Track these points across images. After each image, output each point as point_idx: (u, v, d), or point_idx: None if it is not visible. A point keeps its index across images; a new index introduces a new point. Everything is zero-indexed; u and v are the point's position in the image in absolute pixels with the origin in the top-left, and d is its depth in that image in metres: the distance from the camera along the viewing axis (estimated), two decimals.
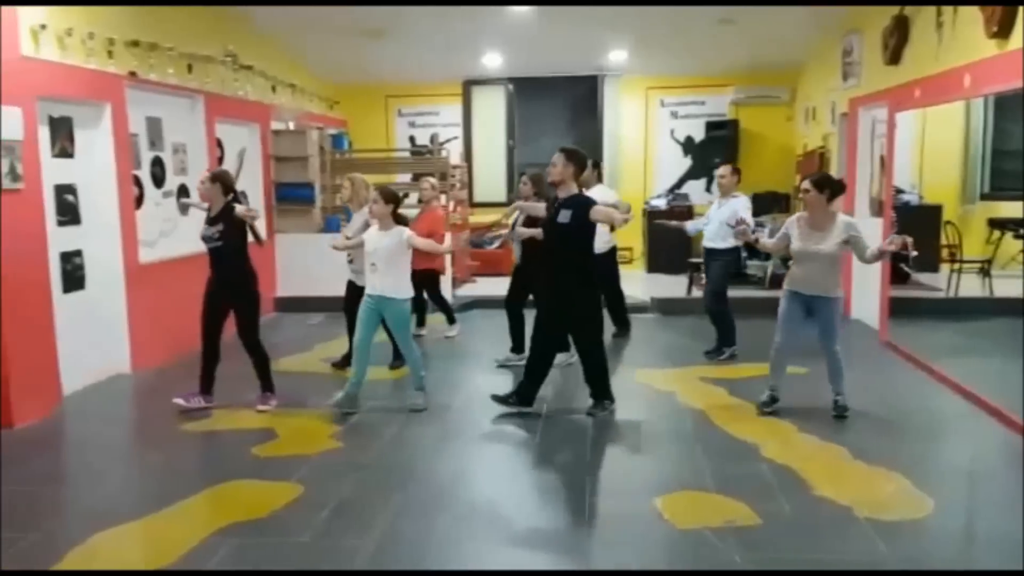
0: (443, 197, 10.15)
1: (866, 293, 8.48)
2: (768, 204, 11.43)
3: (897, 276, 8.36)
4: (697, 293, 7.49)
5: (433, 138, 11.21)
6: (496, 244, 11.19)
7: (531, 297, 6.85)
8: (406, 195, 10.38)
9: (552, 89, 12.68)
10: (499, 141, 12.91)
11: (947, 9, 6.75)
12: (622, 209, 7.39)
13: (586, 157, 5.88)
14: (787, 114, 12.26)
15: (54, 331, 6.03)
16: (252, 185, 9.62)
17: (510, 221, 7.16)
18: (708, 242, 7.34)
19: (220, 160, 8.80)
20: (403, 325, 5.90)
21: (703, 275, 7.82)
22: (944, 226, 9.25)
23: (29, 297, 5.75)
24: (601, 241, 7.33)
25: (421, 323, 8.48)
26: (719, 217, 7.14)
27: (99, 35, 6.60)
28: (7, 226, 5.51)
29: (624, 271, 11.78)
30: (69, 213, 6.54)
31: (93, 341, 6.69)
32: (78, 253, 6.62)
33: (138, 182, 7.36)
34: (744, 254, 9.58)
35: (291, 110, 10.53)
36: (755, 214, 10.71)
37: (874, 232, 8.18)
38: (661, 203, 12.17)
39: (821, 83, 10.55)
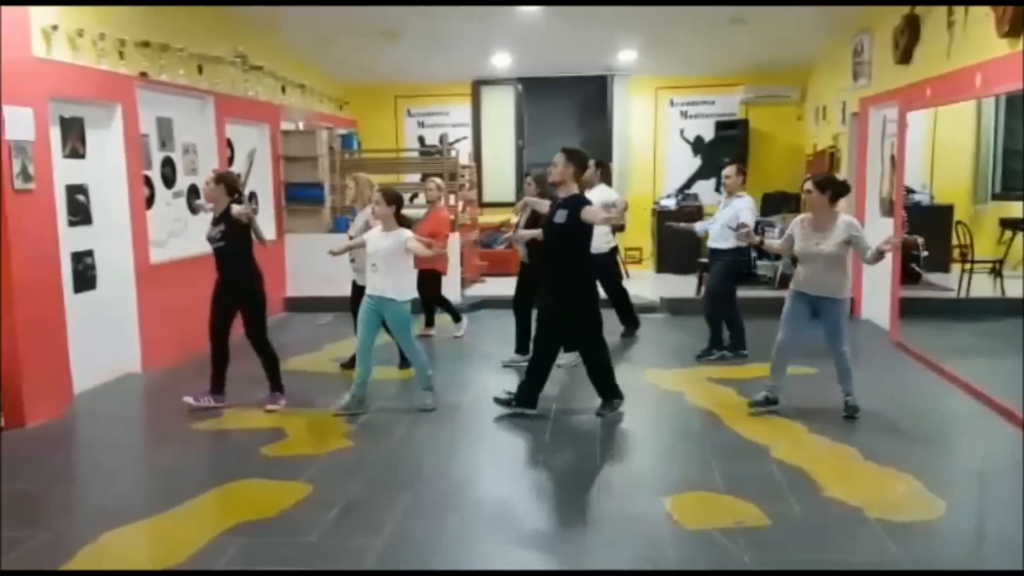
0: (452, 197, 10.18)
1: (877, 293, 8.45)
2: (778, 204, 11.40)
3: (908, 276, 8.33)
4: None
5: (442, 138, 11.21)
6: (504, 244, 11.20)
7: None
8: (415, 195, 10.45)
9: (561, 89, 12.67)
10: (508, 141, 12.91)
11: (958, 8, 6.72)
12: (619, 208, 7.43)
13: (587, 157, 5.88)
14: (797, 114, 12.22)
15: (65, 331, 6.06)
16: (262, 185, 9.66)
17: (518, 219, 7.17)
18: (711, 242, 7.36)
19: (230, 160, 8.83)
20: (403, 327, 5.89)
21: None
22: (955, 226, 9.20)
23: (41, 297, 5.78)
24: (602, 241, 7.35)
25: (430, 323, 8.49)
26: (722, 218, 7.16)
27: (110, 36, 6.63)
28: (19, 226, 5.55)
29: (633, 271, 11.88)
30: (80, 213, 6.58)
31: (104, 341, 6.72)
32: (89, 253, 6.66)
33: (149, 182, 7.39)
34: (754, 254, 9.57)
35: (301, 110, 10.55)
36: (764, 214, 10.78)
37: (885, 232, 8.16)
38: (671, 203, 12.14)
39: (832, 82, 10.51)
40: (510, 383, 6.27)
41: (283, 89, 10.07)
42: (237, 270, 5.86)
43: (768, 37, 10.09)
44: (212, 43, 8.22)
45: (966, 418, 5.80)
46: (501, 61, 11.62)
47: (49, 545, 3.91)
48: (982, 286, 8.82)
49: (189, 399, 6.00)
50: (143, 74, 7.09)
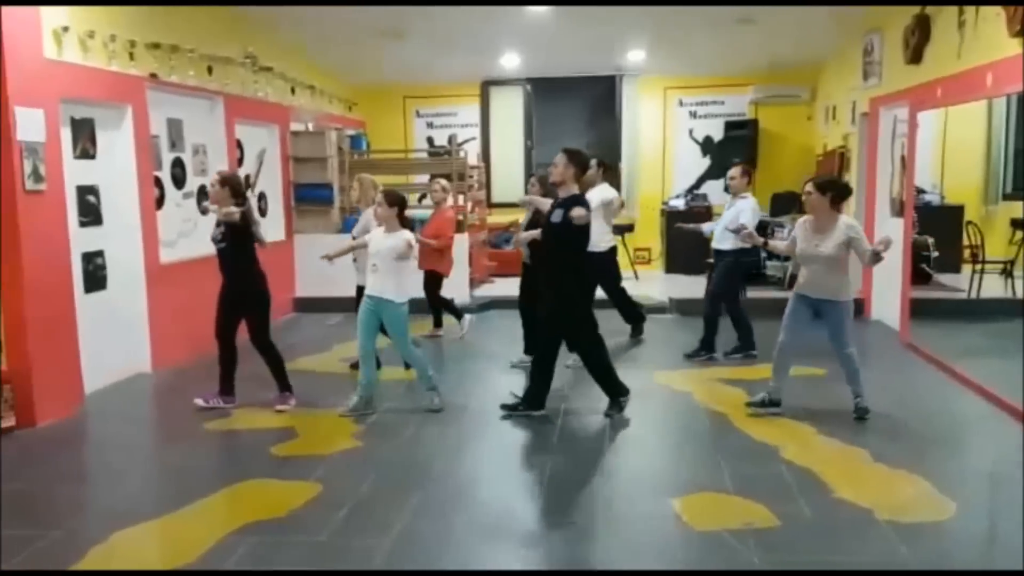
0: (460, 198, 10.20)
1: (887, 294, 8.42)
2: (787, 204, 11.35)
3: (918, 277, 8.29)
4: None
5: (451, 139, 11.22)
6: (513, 246, 11.21)
7: None
8: (423, 196, 10.46)
9: (570, 89, 12.67)
10: (517, 141, 12.91)
11: (969, 8, 6.69)
12: (613, 206, 7.43)
13: (588, 158, 5.88)
14: (807, 114, 12.18)
15: (76, 331, 6.09)
16: (271, 186, 9.69)
17: (521, 220, 7.19)
18: (715, 243, 7.37)
19: (240, 161, 8.86)
20: (399, 329, 5.85)
21: None
22: (966, 226, 9.16)
23: (52, 297, 5.81)
24: (601, 240, 7.36)
25: (438, 324, 8.50)
26: (725, 219, 7.17)
27: (120, 37, 6.66)
28: (30, 227, 5.57)
29: (643, 272, 11.87)
30: (91, 214, 6.61)
31: (115, 341, 6.75)
32: (100, 253, 6.69)
33: (159, 183, 7.42)
34: (763, 255, 9.56)
35: (310, 111, 10.58)
36: (774, 214, 10.76)
37: (896, 233, 8.13)
38: (680, 203, 12.12)
39: (842, 82, 10.47)
40: (518, 383, 6.28)
41: (292, 90, 10.10)
42: (238, 271, 5.88)
43: (778, 37, 10.07)
44: (222, 44, 8.25)
45: (976, 419, 5.77)
46: (510, 61, 11.62)
47: (60, 544, 3.93)
48: (993, 287, 8.78)
49: (199, 401, 6.03)
50: (153, 75, 7.12)
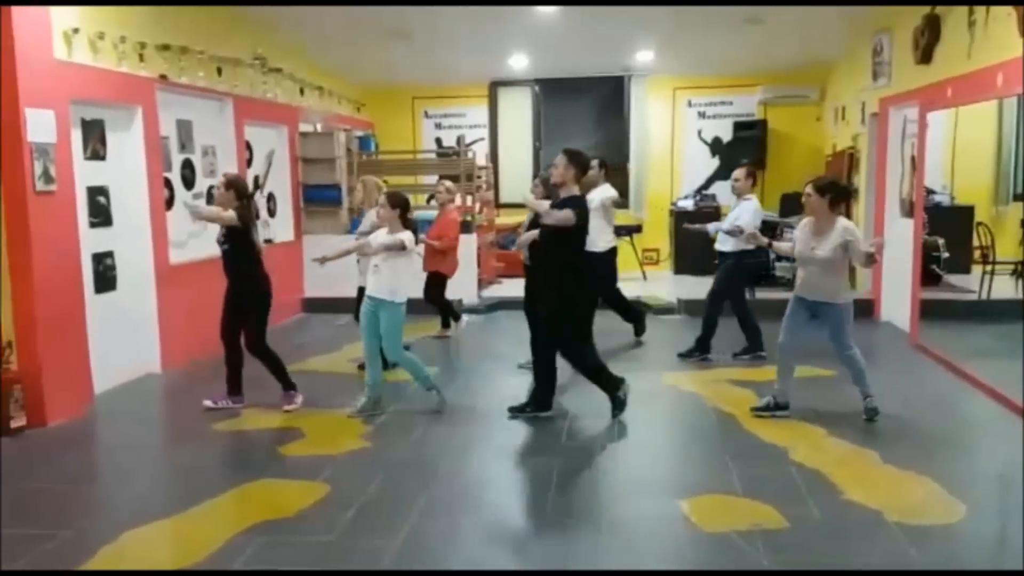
0: (469, 198, 10.20)
1: (897, 295, 8.39)
2: (796, 205, 11.28)
3: (928, 278, 8.25)
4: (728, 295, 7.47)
5: (459, 140, 11.22)
6: (515, 246, 11.22)
7: None
8: (432, 197, 10.46)
9: (578, 90, 12.66)
10: (525, 142, 12.91)
11: (979, 8, 6.66)
12: (606, 205, 7.43)
13: (588, 159, 5.88)
14: (816, 114, 12.14)
15: (86, 331, 6.11)
16: (280, 187, 9.71)
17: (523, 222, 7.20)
18: (717, 245, 7.37)
19: (249, 162, 8.88)
20: (393, 330, 5.81)
21: None
22: (976, 227, 9.12)
23: (62, 298, 5.83)
24: (600, 240, 7.37)
25: (446, 325, 8.50)
26: (728, 221, 7.17)
27: (130, 39, 6.69)
28: (41, 228, 5.60)
29: (651, 272, 11.85)
30: (101, 215, 6.64)
31: (124, 341, 6.78)
32: (110, 254, 6.72)
33: (168, 184, 7.45)
34: (772, 256, 9.53)
35: (319, 112, 10.60)
36: (783, 215, 10.72)
37: (906, 233, 8.11)
38: (688, 204, 12.10)
39: (851, 83, 10.44)
40: (526, 384, 6.27)
41: (301, 91, 10.12)
42: (239, 272, 5.91)
43: (786, 37, 10.04)
44: (231, 46, 8.27)
45: (987, 421, 5.74)
46: (518, 62, 11.62)
47: (70, 544, 3.94)
48: (1004, 288, 8.72)
49: (208, 402, 6.05)
50: (163, 76, 7.15)
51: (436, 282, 8.12)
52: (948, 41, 7.40)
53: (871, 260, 5.39)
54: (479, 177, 10.77)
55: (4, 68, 5.37)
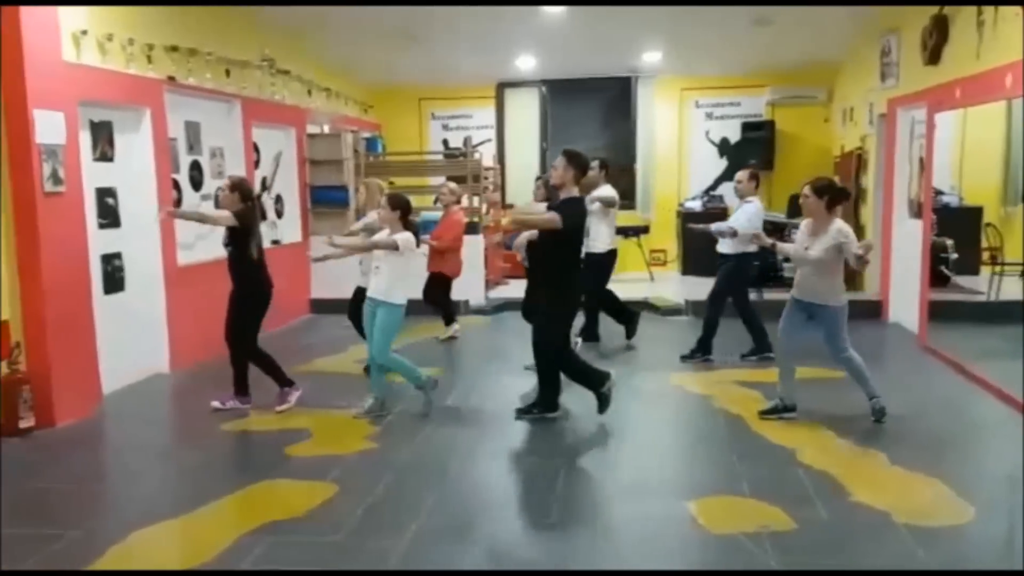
0: (475, 199, 10.21)
1: (905, 296, 8.36)
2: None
3: (937, 279, 8.23)
4: (730, 297, 7.45)
5: (466, 141, 11.23)
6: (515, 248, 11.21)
7: None
8: (437, 198, 10.48)
9: (585, 91, 12.67)
10: (532, 143, 12.92)
11: (988, 8, 6.64)
12: (600, 205, 7.42)
13: (588, 160, 5.88)
14: (824, 115, 12.11)
15: (95, 332, 6.13)
16: (288, 188, 9.74)
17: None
18: (719, 247, 7.35)
19: (256, 164, 8.91)
20: (386, 332, 5.80)
21: None
22: (985, 228, 9.09)
23: (71, 298, 5.86)
24: (599, 241, 7.36)
25: (449, 325, 8.50)
26: (728, 223, 7.20)
27: (139, 40, 6.72)
28: (50, 229, 5.62)
29: (658, 273, 11.84)
30: (109, 216, 6.66)
31: (133, 342, 6.80)
32: (118, 255, 6.74)
33: (176, 185, 7.47)
34: (780, 257, 9.50)
35: (326, 114, 10.62)
36: (790, 216, 10.68)
37: (914, 234, 8.09)
38: (696, 205, 12.09)
39: (859, 83, 10.41)
40: (532, 385, 6.27)
41: (309, 93, 10.15)
42: (241, 273, 5.93)
43: (794, 38, 10.03)
44: (239, 47, 8.30)
45: (995, 422, 5.72)
46: (525, 63, 11.63)
47: (78, 544, 3.96)
48: (1012, 289, 8.69)
49: (215, 403, 6.06)
50: (171, 78, 7.17)
51: (438, 283, 8.13)
52: (956, 42, 7.38)
53: (861, 262, 5.38)
54: (486, 178, 10.78)
55: (13, 69, 5.39)
